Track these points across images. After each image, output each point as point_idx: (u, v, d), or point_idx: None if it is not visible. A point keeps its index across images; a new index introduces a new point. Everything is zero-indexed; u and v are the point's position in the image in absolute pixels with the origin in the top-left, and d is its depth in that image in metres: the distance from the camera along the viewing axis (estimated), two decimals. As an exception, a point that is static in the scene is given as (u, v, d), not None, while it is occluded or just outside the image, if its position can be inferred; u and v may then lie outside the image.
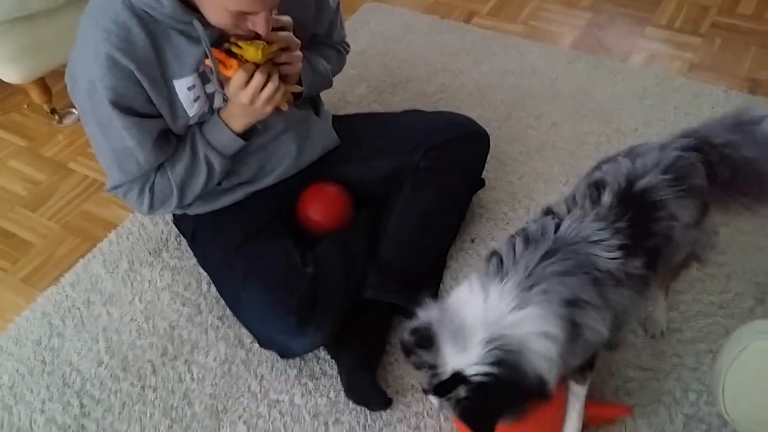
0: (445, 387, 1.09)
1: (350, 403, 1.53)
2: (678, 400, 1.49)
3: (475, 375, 1.06)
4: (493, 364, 1.05)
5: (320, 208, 1.72)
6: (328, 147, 1.72)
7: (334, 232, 1.70)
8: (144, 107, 1.37)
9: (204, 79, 1.41)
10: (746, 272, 1.71)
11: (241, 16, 1.24)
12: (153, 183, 1.48)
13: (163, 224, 1.97)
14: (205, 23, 1.30)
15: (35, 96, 2.32)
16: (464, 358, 1.07)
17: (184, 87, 1.39)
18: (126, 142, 1.39)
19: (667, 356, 1.56)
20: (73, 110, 2.41)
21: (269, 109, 1.38)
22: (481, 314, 1.09)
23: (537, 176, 2.02)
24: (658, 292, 1.57)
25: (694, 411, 1.46)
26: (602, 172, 1.28)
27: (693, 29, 2.54)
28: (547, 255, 1.13)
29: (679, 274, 1.54)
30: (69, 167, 2.23)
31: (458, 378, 1.07)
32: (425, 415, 1.51)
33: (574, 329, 1.12)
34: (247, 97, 1.34)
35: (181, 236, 1.87)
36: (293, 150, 1.64)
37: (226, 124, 1.45)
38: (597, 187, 1.24)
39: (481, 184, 1.89)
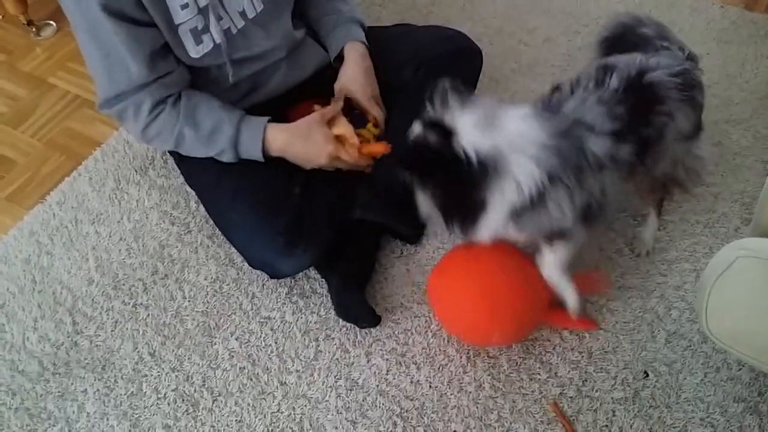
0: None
1: (340, 320, 1.56)
2: (661, 317, 1.53)
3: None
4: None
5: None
6: (319, 65, 1.68)
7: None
8: (135, 12, 1.33)
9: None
10: (733, 193, 1.72)
11: None
12: (160, 111, 1.45)
13: (148, 142, 1.93)
14: None
15: (10, 7, 2.22)
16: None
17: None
18: (117, 49, 1.35)
19: (651, 275, 1.59)
20: (51, 22, 2.32)
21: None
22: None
23: (529, 94, 1.99)
24: (649, 209, 1.60)
25: (675, 328, 1.51)
26: (615, 59, 1.34)
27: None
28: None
29: (664, 191, 1.56)
30: (49, 82, 2.17)
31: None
32: (414, 331, 1.54)
33: (540, 198, 1.21)
34: (332, 165, 1.51)
35: (167, 154, 1.84)
36: (284, 69, 1.60)
37: (262, 142, 1.48)
38: (605, 70, 1.30)
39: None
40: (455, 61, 1.71)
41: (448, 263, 1.47)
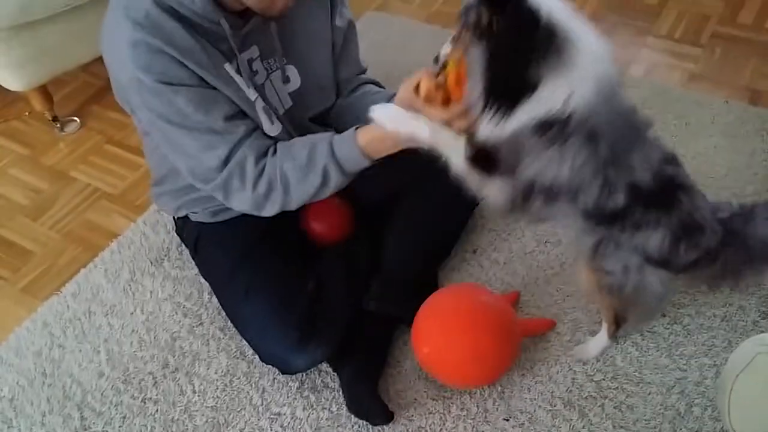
0: None
1: (352, 417, 1.52)
2: (682, 414, 1.48)
3: None
4: None
5: (322, 219, 1.71)
6: None
7: (335, 244, 1.69)
8: (200, 83, 1.33)
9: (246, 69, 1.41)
10: (749, 285, 1.70)
11: None
12: (264, 163, 1.38)
13: (164, 233, 1.96)
14: (232, 23, 1.32)
15: (37, 104, 2.31)
16: None
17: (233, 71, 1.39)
18: (198, 118, 1.33)
19: (670, 370, 1.56)
20: (75, 118, 2.40)
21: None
22: None
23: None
24: (604, 322, 1.56)
25: (698, 426, 1.46)
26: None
27: (693, 39, 2.54)
28: None
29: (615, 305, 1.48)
30: (70, 176, 2.23)
31: None
32: (428, 429, 1.50)
33: (566, 132, 1.14)
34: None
35: (182, 245, 1.87)
36: None
37: (358, 144, 1.37)
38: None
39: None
40: None
41: (433, 307, 1.52)
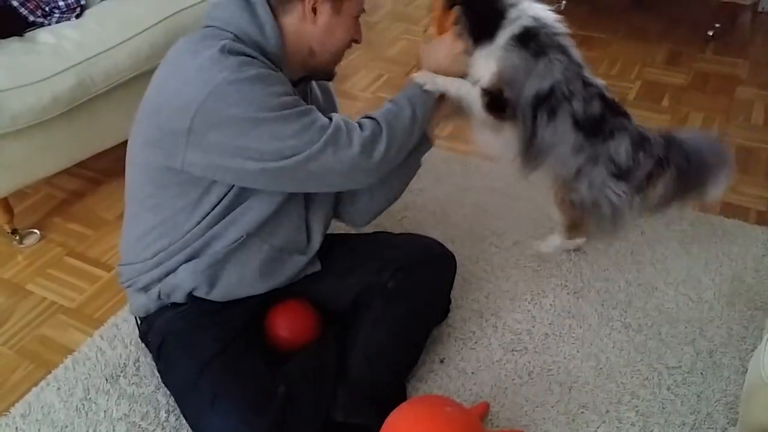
0: None
1: None
2: None
3: None
4: None
5: (288, 324, 1.70)
6: (308, 272, 1.72)
7: (302, 348, 1.67)
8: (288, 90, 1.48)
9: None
10: (715, 392, 1.71)
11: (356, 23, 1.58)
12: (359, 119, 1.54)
13: (122, 347, 1.90)
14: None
15: (-4, 216, 2.29)
16: None
17: None
18: (291, 100, 1.44)
19: (643, 482, 1.53)
20: (35, 231, 2.37)
21: None
22: None
23: (502, 294, 2.03)
24: (558, 225, 1.99)
25: None
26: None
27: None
28: None
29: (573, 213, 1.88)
30: (27, 289, 2.17)
31: None
32: None
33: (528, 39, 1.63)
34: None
35: (140, 360, 1.81)
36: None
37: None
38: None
39: (447, 310, 1.90)
40: (432, 266, 1.77)
41: (398, 421, 1.48)
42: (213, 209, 1.53)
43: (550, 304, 1.97)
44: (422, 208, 2.40)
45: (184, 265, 1.58)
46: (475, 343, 1.88)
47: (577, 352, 1.84)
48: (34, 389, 1.81)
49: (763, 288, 1.97)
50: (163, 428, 1.68)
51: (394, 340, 1.69)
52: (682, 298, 1.97)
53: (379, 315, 1.70)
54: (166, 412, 1.70)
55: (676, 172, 1.76)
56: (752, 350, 1.47)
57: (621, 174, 1.72)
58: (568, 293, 2.02)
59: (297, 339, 1.69)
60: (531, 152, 1.75)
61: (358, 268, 1.74)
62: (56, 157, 2.29)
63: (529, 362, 1.82)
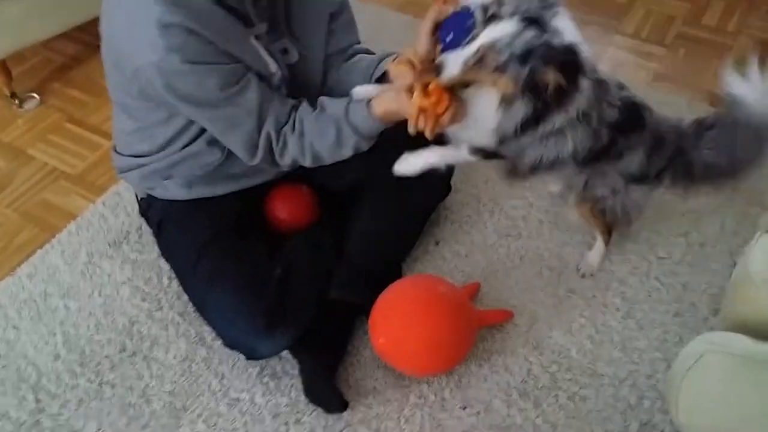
0: None
1: (311, 404, 1.53)
2: (633, 406, 1.52)
3: None
4: None
5: (287, 207, 1.72)
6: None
7: (300, 231, 1.69)
8: (230, 61, 1.33)
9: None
10: (701, 283, 1.75)
11: None
12: (288, 132, 1.43)
13: (124, 215, 1.94)
14: None
15: (-6, 79, 2.25)
16: None
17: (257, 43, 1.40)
18: (224, 95, 1.33)
19: (622, 363, 1.60)
20: (35, 95, 2.35)
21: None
22: None
23: (501, 180, 2.04)
24: (597, 235, 1.77)
25: (648, 418, 1.50)
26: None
27: (658, 39, 2.59)
28: None
29: (605, 219, 1.68)
30: (28, 153, 2.18)
31: None
32: (386, 417, 1.52)
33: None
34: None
35: (142, 228, 1.84)
36: None
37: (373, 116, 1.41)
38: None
39: (448, 190, 1.90)
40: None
41: (389, 298, 1.54)
42: (186, 127, 1.49)
43: (548, 192, 1.98)
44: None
45: (164, 182, 1.59)
46: (471, 227, 1.91)
47: (570, 239, 1.87)
48: (39, 251, 1.86)
49: (763, 187, 1.97)
50: (166, 293, 1.74)
51: (393, 227, 1.72)
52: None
53: (378, 202, 1.71)
54: (168, 278, 1.76)
55: (703, 167, 1.55)
56: (743, 245, 1.49)
57: (637, 179, 1.56)
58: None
59: (295, 221, 1.71)
60: (520, 172, 1.52)
61: (359, 154, 1.73)
62: (54, 18, 2.23)
63: (522, 247, 1.85)
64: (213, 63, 1.31)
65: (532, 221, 1.92)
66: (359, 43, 1.66)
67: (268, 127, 1.41)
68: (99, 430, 1.50)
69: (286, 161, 1.47)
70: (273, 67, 1.44)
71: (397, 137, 1.60)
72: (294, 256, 1.61)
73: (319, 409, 1.52)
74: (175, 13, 1.24)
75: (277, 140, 1.43)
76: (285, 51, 1.50)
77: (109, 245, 1.86)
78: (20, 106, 2.32)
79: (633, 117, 1.45)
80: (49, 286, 1.78)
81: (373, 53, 1.63)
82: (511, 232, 1.89)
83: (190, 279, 1.61)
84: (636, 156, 1.50)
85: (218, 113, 1.38)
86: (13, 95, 2.31)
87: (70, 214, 1.97)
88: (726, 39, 2.58)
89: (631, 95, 1.46)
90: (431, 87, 1.26)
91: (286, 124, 1.43)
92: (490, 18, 1.20)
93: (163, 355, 1.63)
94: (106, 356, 1.63)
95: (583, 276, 1.78)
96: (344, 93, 1.46)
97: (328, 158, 1.48)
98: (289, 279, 1.55)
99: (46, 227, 1.94)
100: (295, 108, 1.45)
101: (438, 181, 1.82)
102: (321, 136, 1.43)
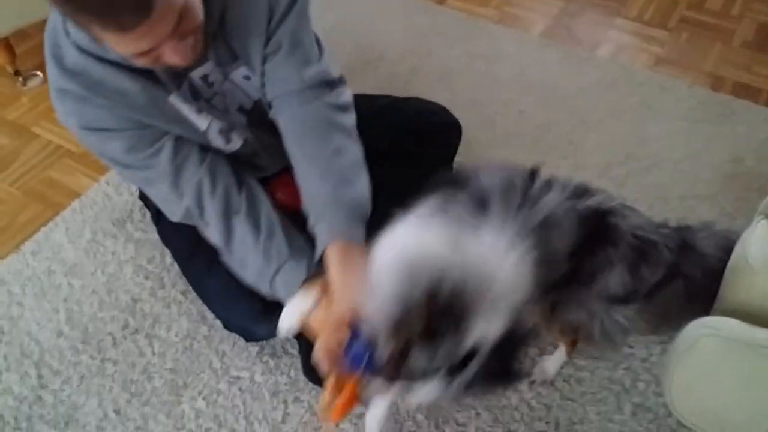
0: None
1: (310, 383, 1.55)
2: (627, 389, 1.54)
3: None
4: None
5: (288, 190, 1.72)
6: None
7: (298, 214, 1.70)
8: (134, 127, 1.28)
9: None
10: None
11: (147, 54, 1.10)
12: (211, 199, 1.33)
13: (127, 194, 1.95)
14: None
15: (-2, 56, 2.26)
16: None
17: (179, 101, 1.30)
18: (129, 160, 1.29)
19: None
20: (38, 73, 2.36)
21: None
22: None
23: (502, 161, 2.05)
24: (560, 344, 1.54)
25: (642, 400, 1.52)
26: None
27: (661, 23, 2.58)
28: None
29: (575, 334, 1.43)
30: (32, 131, 2.19)
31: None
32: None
33: None
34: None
35: (145, 208, 1.86)
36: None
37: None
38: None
39: (459, 129, 1.89)
40: (437, 133, 1.76)
41: None
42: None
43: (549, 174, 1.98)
44: (429, 72, 2.36)
45: None
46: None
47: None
48: (43, 229, 1.88)
49: (763, 171, 1.98)
50: (168, 272, 1.76)
51: (394, 205, 1.72)
52: (679, 175, 1.99)
53: (379, 181, 1.72)
54: (171, 258, 1.77)
55: (684, 283, 1.30)
56: (741, 230, 1.50)
57: (623, 298, 1.26)
58: (568, 166, 2.03)
59: (296, 203, 1.71)
60: None
61: (362, 133, 1.73)
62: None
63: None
64: (114, 129, 1.26)
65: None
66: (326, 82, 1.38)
67: (187, 201, 1.32)
68: (100, 406, 1.53)
69: (211, 235, 1.36)
70: (204, 124, 1.34)
71: (394, 125, 1.58)
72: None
73: (318, 388, 1.55)
74: (69, 81, 1.20)
75: (200, 215, 1.33)
76: (247, 78, 1.36)
77: (113, 224, 1.88)
78: (24, 84, 2.33)
79: (600, 230, 1.18)
80: (53, 263, 1.80)
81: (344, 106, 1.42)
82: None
83: (188, 266, 1.62)
84: (615, 275, 1.21)
85: (131, 173, 1.34)
86: (17, 73, 2.32)
87: (74, 192, 1.99)
88: (730, 23, 2.57)
89: (595, 203, 1.18)
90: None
91: (214, 196, 1.32)
92: None
93: (165, 333, 1.65)
94: (109, 333, 1.65)
95: (533, 383, 1.55)
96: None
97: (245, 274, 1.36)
98: None
99: (50, 205, 1.96)
100: (238, 191, 1.35)
101: (442, 161, 1.82)
102: (242, 263, 1.34)
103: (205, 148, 1.37)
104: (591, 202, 1.18)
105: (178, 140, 1.32)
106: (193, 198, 1.33)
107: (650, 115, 2.19)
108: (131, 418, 1.51)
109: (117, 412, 1.52)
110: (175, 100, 1.29)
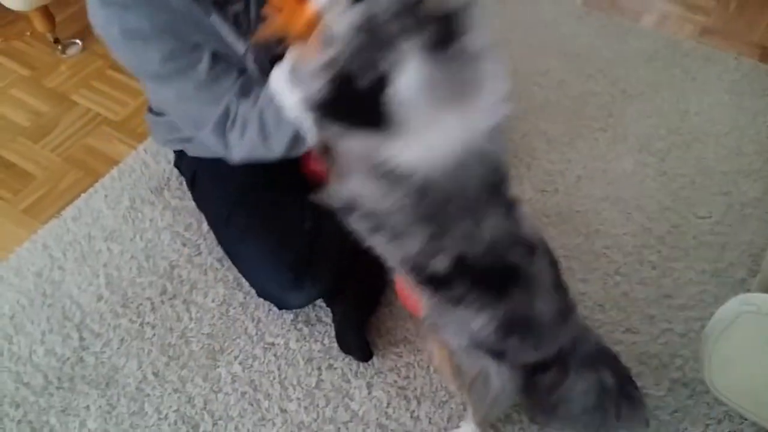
0: None
1: (344, 350, 1.57)
2: (665, 364, 1.53)
3: None
4: None
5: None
6: None
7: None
8: (165, 36, 1.28)
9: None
10: (740, 243, 1.73)
11: None
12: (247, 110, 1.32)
13: (165, 162, 1.97)
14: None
15: (38, 24, 2.27)
16: None
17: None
18: (171, 68, 1.29)
19: (656, 321, 1.60)
20: (77, 41, 2.38)
21: None
22: None
23: (539, 135, 2.02)
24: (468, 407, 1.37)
25: (679, 375, 1.51)
26: None
27: (708, -9, 2.50)
28: None
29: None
30: (72, 99, 2.21)
31: None
32: (416, 365, 1.55)
33: None
34: None
35: (183, 176, 1.87)
36: None
37: None
38: None
39: None
40: None
41: None
42: None
43: (588, 148, 1.96)
44: (467, 40, 2.33)
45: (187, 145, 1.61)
46: (508, 180, 1.89)
47: (608, 196, 1.85)
48: (83, 195, 1.91)
49: (810, 146, 1.93)
50: (205, 239, 1.78)
51: None
52: (722, 150, 1.94)
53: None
54: (207, 225, 1.79)
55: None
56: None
57: (491, 350, 1.13)
58: (607, 138, 2.00)
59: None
60: None
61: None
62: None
63: (558, 203, 1.84)
64: (154, 38, 1.27)
65: (569, 177, 1.90)
66: None
67: (224, 105, 1.32)
68: (139, 368, 1.56)
69: (234, 136, 1.36)
70: (242, 48, 1.33)
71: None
72: (323, 209, 1.62)
73: (350, 357, 1.56)
74: None
75: (234, 118, 1.34)
76: None
77: (151, 191, 1.90)
78: (63, 52, 2.35)
79: (496, 278, 1.07)
80: (93, 229, 1.83)
81: None
82: (548, 187, 1.88)
83: (222, 231, 1.63)
84: (479, 318, 1.08)
85: (164, 88, 1.35)
86: (56, 41, 2.34)
87: (113, 159, 2.01)
88: (781, -8, 2.48)
89: (519, 262, 1.06)
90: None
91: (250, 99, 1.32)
92: None
93: (202, 298, 1.67)
94: (147, 298, 1.68)
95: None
96: None
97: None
98: (319, 232, 1.56)
99: (90, 172, 1.99)
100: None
101: None
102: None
103: (242, 71, 1.36)
104: (520, 260, 1.07)
105: (216, 55, 1.32)
106: (233, 100, 1.31)
107: (693, 87, 2.14)
108: (169, 380, 1.54)
109: (156, 374, 1.55)
110: (216, 20, 1.30)
